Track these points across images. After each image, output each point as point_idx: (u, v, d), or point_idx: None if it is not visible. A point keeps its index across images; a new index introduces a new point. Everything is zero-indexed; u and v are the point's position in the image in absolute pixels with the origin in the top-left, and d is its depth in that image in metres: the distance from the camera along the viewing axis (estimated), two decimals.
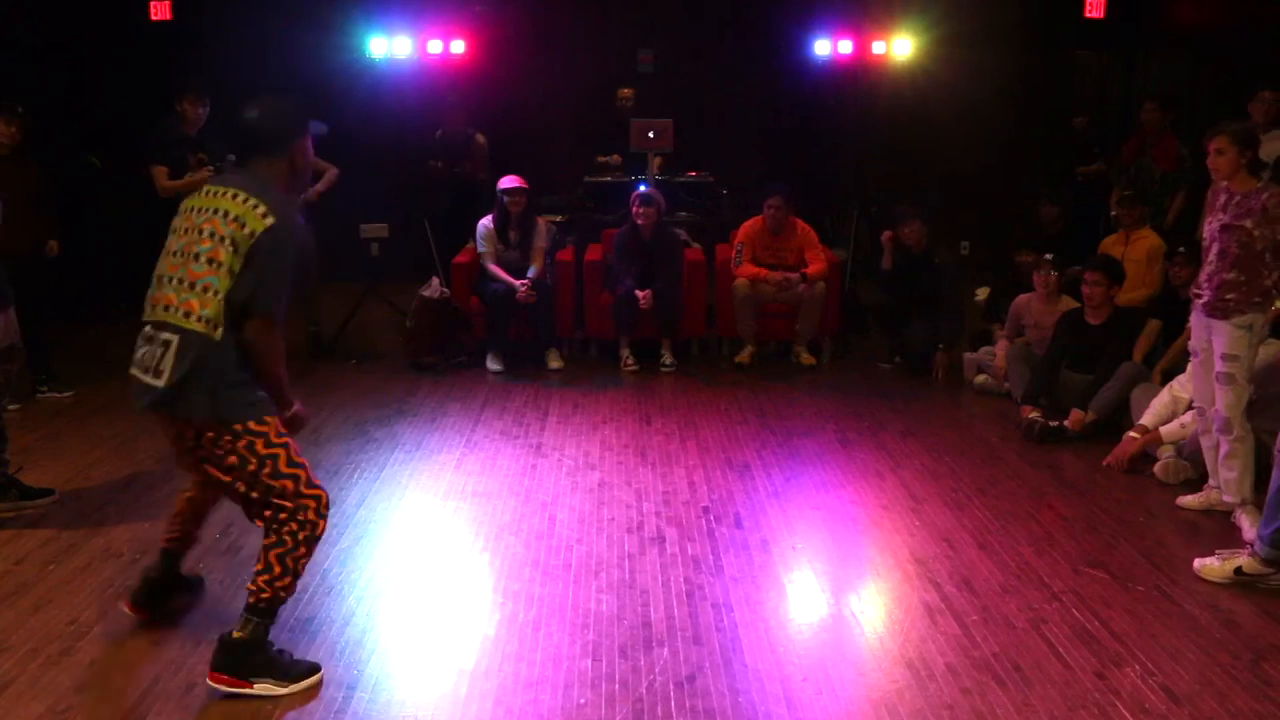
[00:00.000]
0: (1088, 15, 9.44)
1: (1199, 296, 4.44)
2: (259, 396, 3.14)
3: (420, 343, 7.12)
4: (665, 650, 3.44)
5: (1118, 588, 3.93)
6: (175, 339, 3.03)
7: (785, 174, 8.55)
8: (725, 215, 8.57)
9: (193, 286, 3.04)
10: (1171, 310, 6.10)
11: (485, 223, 7.17)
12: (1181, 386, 5.17)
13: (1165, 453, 5.07)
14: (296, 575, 3.18)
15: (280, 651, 3.26)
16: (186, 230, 3.11)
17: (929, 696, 3.18)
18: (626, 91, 9.08)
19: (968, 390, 6.69)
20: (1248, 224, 4.23)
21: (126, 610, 3.56)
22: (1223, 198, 4.38)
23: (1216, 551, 4.06)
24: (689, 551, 4.22)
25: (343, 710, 3.10)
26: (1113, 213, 7.21)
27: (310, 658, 3.36)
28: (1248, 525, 4.30)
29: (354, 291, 7.86)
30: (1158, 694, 3.20)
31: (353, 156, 7.64)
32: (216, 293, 3.02)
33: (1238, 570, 3.92)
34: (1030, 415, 5.75)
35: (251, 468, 3.09)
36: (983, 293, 8.43)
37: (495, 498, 4.81)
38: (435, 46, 9.33)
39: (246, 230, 3.00)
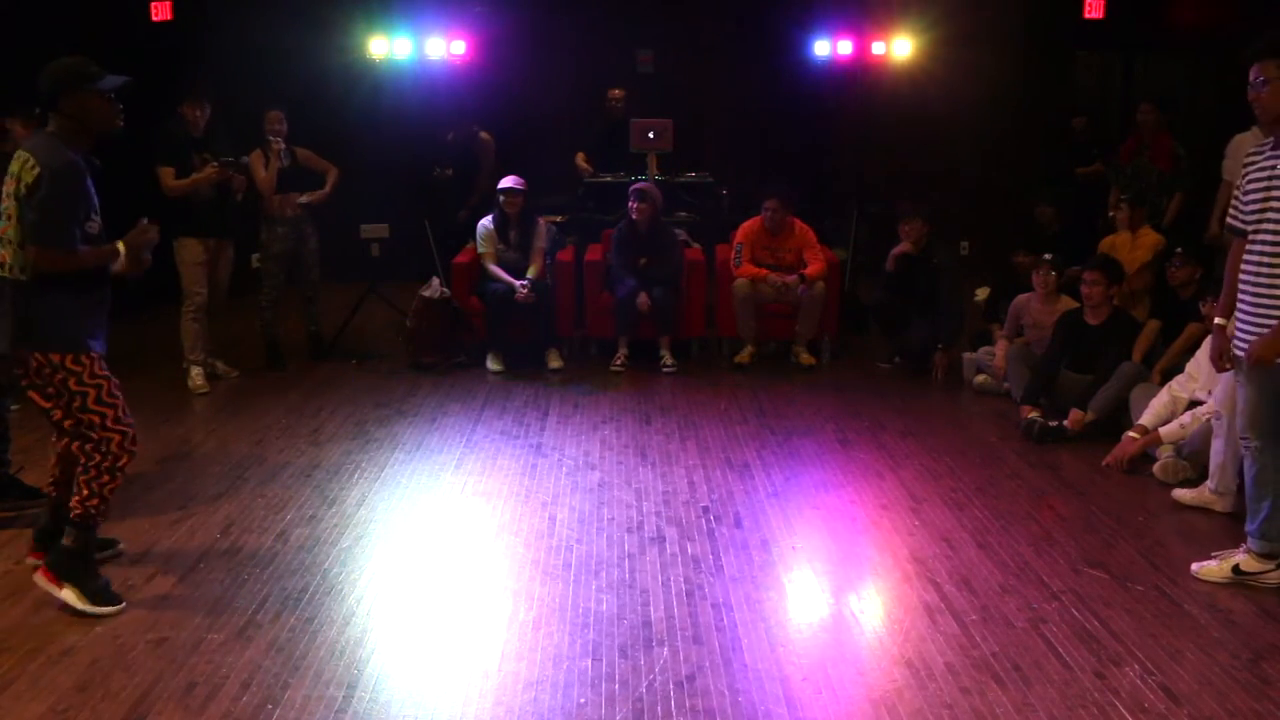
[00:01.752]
0: (1088, 15, 9.44)
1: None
2: (80, 333, 3.60)
3: (420, 343, 7.12)
4: (665, 650, 3.45)
5: (1117, 587, 3.94)
6: None
7: (785, 174, 8.56)
8: (725, 215, 8.58)
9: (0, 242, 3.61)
10: (1171, 310, 6.11)
11: (485, 223, 7.18)
12: (1181, 386, 5.17)
13: (1165, 453, 5.07)
14: (104, 499, 3.66)
15: (98, 576, 3.71)
16: None
17: (929, 696, 3.18)
18: (617, 92, 8.87)
19: (967, 390, 6.70)
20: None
21: (30, 560, 3.93)
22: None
23: (1214, 553, 4.06)
24: (689, 551, 4.22)
25: (343, 710, 3.10)
26: (1111, 213, 7.23)
27: (310, 658, 3.37)
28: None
29: (354, 291, 7.87)
30: (1157, 693, 3.21)
31: (353, 157, 7.66)
32: (12, 241, 3.57)
33: (1235, 569, 3.92)
34: (1030, 415, 5.75)
35: (64, 399, 3.61)
36: (983, 293, 8.44)
37: (495, 498, 4.82)
38: (435, 47, 9.34)
39: (22, 184, 3.53)
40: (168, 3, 8.81)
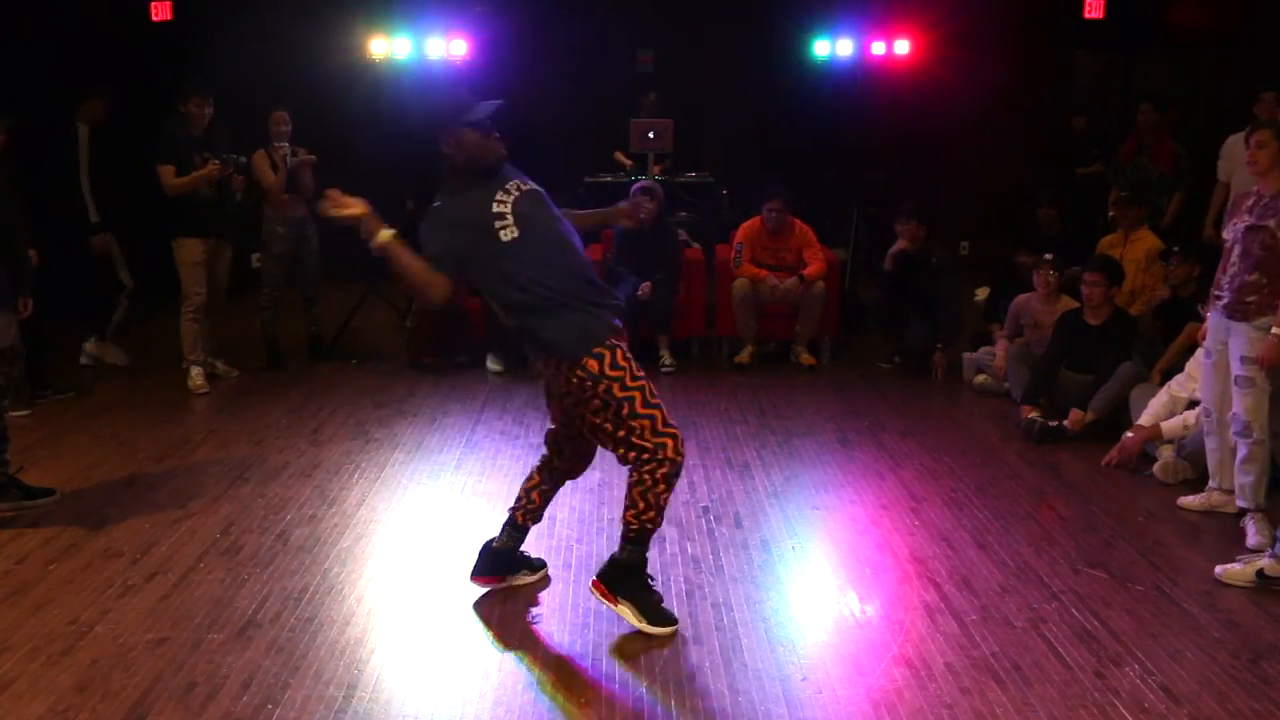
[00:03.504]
0: (1088, 15, 9.44)
1: (1219, 298, 4.41)
2: None
3: (420, 343, 7.12)
4: (665, 650, 3.45)
5: (1117, 587, 3.94)
6: None
7: (785, 174, 8.55)
8: (725, 215, 8.57)
9: None
10: (1170, 310, 6.11)
11: None
12: (1180, 386, 5.17)
13: (1165, 452, 5.07)
14: (660, 510, 3.47)
15: (654, 591, 3.57)
16: None
17: (929, 696, 3.18)
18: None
19: (967, 390, 6.70)
20: (1271, 224, 4.22)
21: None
22: (1250, 200, 4.37)
23: (1238, 556, 4.06)
24: (689, 551, 4.22)
25: (343, 710, 3.10)
26: (1110, 213, 7.23)
27: (310, 658, 3.37)
28: (1254, 532, 4.28)
29: (354, 291, 7.87)
30: (1157, 693, 3.21)
31: (353, 157, 7.66)
32: None
33: (1259, 574, 3.90)
34: (1030, 415, 5.75)
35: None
36: (983, 293, 8.44)
37: (495, 498, 4.81)
38: (435, 47, 9.34)
39: None
40: (168, 3, 8.81)
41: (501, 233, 3.39)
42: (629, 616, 3.51)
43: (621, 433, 3.39)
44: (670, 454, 3.39)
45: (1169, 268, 6.20)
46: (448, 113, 3.47)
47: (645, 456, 3.39)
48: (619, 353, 3.41)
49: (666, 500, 3.46)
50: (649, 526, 3.47)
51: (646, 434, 3.38)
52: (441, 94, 3.54)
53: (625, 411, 3.37)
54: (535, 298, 3.39)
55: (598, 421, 3.42)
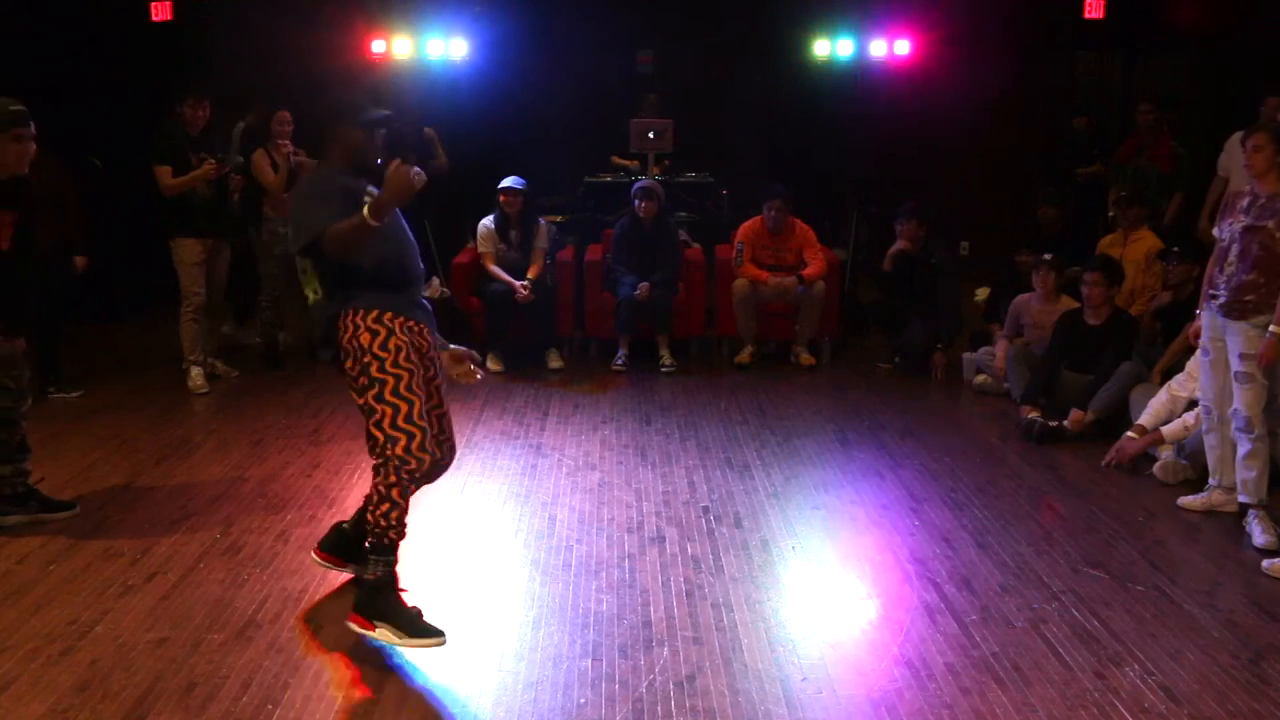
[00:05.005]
0: (1088, 15, 9.42)
1: (1215, 297, 4.43)
2: None
3: None
4: (665, 650, 3.45)
5: (1117, 587, 3.94)
6: None
7: (785, 174, 8.55)
8: (725, 215, 8.57)
9: None
10: (1170, 310, 6.10)
11: (486, 223, 7.18)
12: (1180, 386, 5.16)
13: (1165, 452, 5.07)
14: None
15: (409, 606, 3.41)
16: None
17: (929, 696, 3.18)
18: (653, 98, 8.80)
19: (967, 390, 6.70)
20: (1270, 225, 4.24)
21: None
22: (1245, 199, 4.38)
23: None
24: (689, 551, 4.22)
25: (343, 710, 3.10)
26: (1110, 213, 7.23)
27: (310, 658, 3.37)
28: (1259, 531, 4.28)
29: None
30: (1157, 694, 3.21)
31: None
32: None
33: None
34: (1030, 415, 5.75)
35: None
36: (983, 293, 8.43)
37: (495, 498, 4.82)
38: (435, 47, 9.33)
39: None
40: (168, 3, 8.80)
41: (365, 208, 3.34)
42: (389, 638, 3.33)
43: (373, 418, 3.37)
44: (398, 451, 3.32)
45: (1168, 268, 6.19)
46: (341, 110, 3.54)
47: (377, 448, 3.37)
48: (398, 338, 3.38)
49: (401, 502, 3.35)
50: (390, 535, 3.37)
51: (385, 424, 3.34)
52: (341, 93, 3.67)
53: (374, 393, 3.34)
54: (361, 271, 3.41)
55: (358, 400, 3.42)
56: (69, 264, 6.26)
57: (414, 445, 3.34)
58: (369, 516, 3.40)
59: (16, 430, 4.47)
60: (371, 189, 3.43)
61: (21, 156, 4.31)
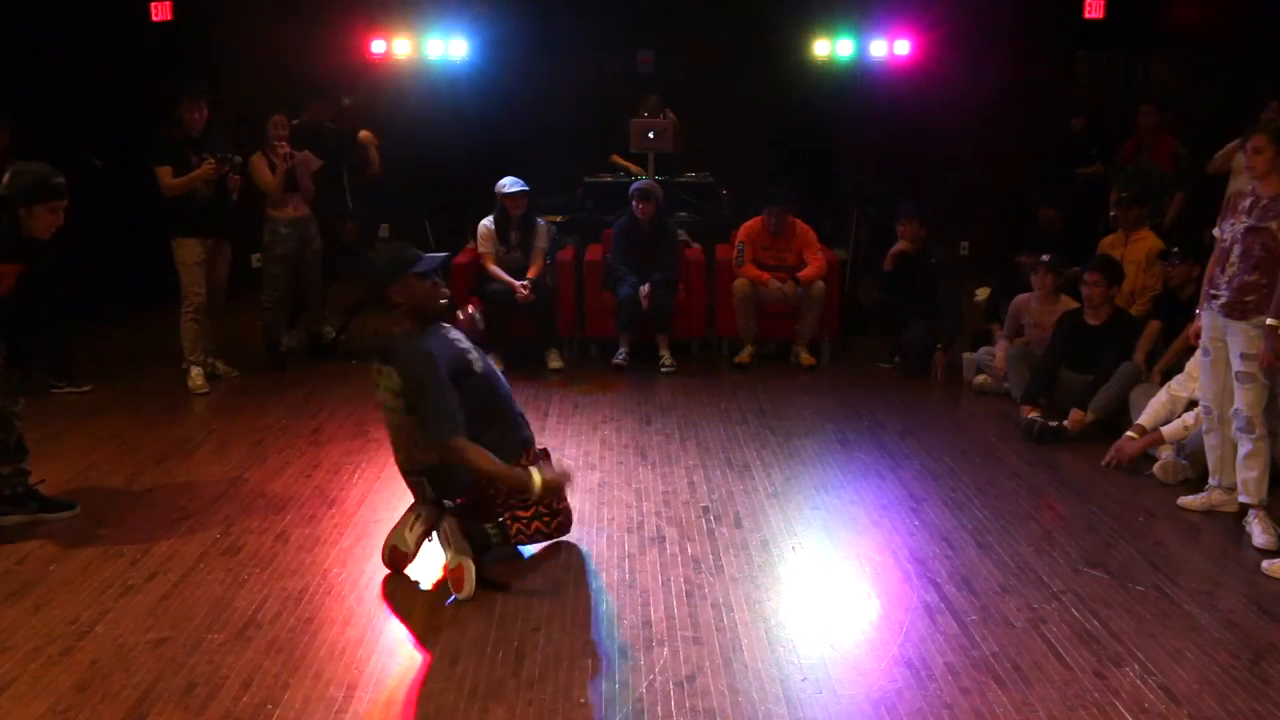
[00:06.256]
0: (1088, 16, 9.43)
1: (1216, 297, 4.43)
2: None
3: None
4: (665, 650, 3.45)
5: (1117, 587, 3.94)
6: None
7: (785, 174, 8.55)
8: (725, 215, 8.57)
9: None
10: (1171, 310, 6.10)
11: (486, 223, 7.18)
12: (1181, 386, 5.16)
13: (1165, 452, 5.07)
14: None
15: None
16: None
17: (929, 696, 3.18)
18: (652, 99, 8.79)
19: (967, 390, 6.70)
20: (1272, 226, 4.24)
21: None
22: (1247, 200, 4.37)
23: None
24: (689, 551, 4.22)
25: (343, 710, 3.10)
26: (1111, 213, 7.23)
27: (310, 658, 3.37)
28: (1259, 531, 4.29)
29: (354, 292, 7.86)
30: (1157, 694, 3.21)
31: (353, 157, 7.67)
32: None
33: None
34: (1030, 415, 5.75)
35: None
36: (983, 293, 8.44)
37: None
38: (435, 47, 9.33)
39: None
40: (168, 3, 8.80)
41: (474, 364, 3.98)
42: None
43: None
44: None
45: (1168, 268, 6.19)
46: (396, 264, 3.82)
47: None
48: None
49: None
50: None
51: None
52: (391, 248, 3.92)
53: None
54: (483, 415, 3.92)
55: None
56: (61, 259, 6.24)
57: None
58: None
59: (13, 430, 4.46)
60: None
61: (50, 226, 4.41)
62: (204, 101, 6.36)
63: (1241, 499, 4.43)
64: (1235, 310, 4.33)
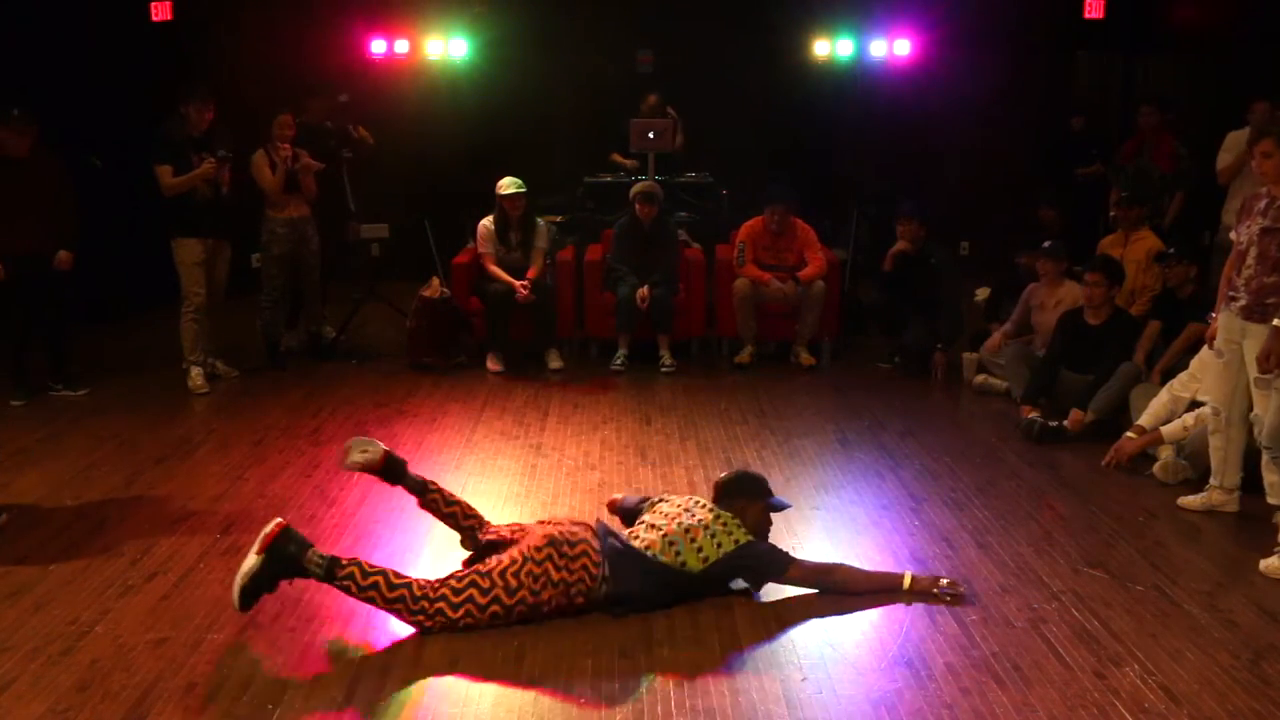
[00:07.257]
0: (1087, 16, 9.42)
1: (1235, 299, 4.39)
2: None
3: (420, 343, 7.12)
4: (665, 650, 3.45)
5: (1117, 587, 3.94)
6: None
7: (785, 174, 8.54)
8: (725, 215, 8.57)
9: None
10: (1170, 310, 6.11)
11: (485, 223, 7.18)
12: (1182, 386, 5.16)
13: (1165, 452, 5.07)
14: None
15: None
16: None
17: (929, 696, 3.18)
18: (652, 99, 8.79)
19: (967, 390, 6.70)
20: None
21: None
22: (1263, 202, 4.34)
23: (1276, 549, 4.07)
24: None
25: (343, 710, 3.10)
26: (1111, 213, 7.23)
27: (311, 658, 3.37)
28: None
29: (354, 291, 7.86)
30: (1157, 694, 3.21)
31: (354, 157, 7.67)
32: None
33: None
34: (1030, 415, 5.75)
35: None
36: (983, 293, 8.44)
37: (495, 498, 4.82)
38: (437, 47, 9.33)
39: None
40: (168, 3, 8.80)
41: None
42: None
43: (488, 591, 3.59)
44: (452, 615, 3.55)
45: (1165, 269, 6.19)
46: (756, 491, 4.01)
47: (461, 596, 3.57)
48: None
49: (380, 606, 3.53)
50: (348, 586, 3.53)
51: (478, 597, 3.58)
52: (756, 477, 4.10)
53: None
54: None
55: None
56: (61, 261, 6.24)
57: (456, 624, 3.52)
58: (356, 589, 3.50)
59: None
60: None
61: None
62: (213, 102, 6.37)
63: (1271, 501, 4.39)
64: (1255, 313, 4.28)
